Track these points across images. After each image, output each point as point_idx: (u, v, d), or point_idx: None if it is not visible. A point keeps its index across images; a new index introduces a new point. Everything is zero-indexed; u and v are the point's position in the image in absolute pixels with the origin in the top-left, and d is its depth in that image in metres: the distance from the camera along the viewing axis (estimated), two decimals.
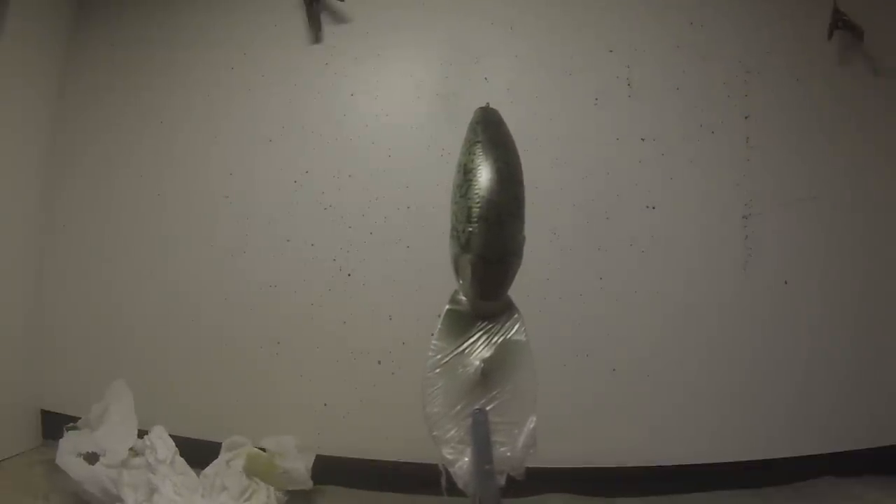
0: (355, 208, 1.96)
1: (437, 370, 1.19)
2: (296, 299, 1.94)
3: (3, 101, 1.89)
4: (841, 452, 1.85)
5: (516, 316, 1.23)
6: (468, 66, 1.99)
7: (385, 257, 1.93)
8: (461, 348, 1.20)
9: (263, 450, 1.74)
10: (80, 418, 1.74)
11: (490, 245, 1.13)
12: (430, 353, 1.20)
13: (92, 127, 2.12)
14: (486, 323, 1.22)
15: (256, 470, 1.68)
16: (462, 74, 1.99)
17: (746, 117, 1.97)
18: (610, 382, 1.86)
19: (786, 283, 1.92)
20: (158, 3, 2.15)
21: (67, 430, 1.68)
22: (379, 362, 1.89)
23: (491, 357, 1.19)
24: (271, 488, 1.66)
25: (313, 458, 1.73)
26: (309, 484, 1.71)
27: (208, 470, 1.67)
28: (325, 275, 1.94)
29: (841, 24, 1.94)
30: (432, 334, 1.25)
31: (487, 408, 1.17)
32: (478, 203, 1.13)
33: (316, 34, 2.04)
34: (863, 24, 1.94)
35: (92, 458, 1.59)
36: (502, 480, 1.13)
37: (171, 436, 1.70)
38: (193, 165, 2.06)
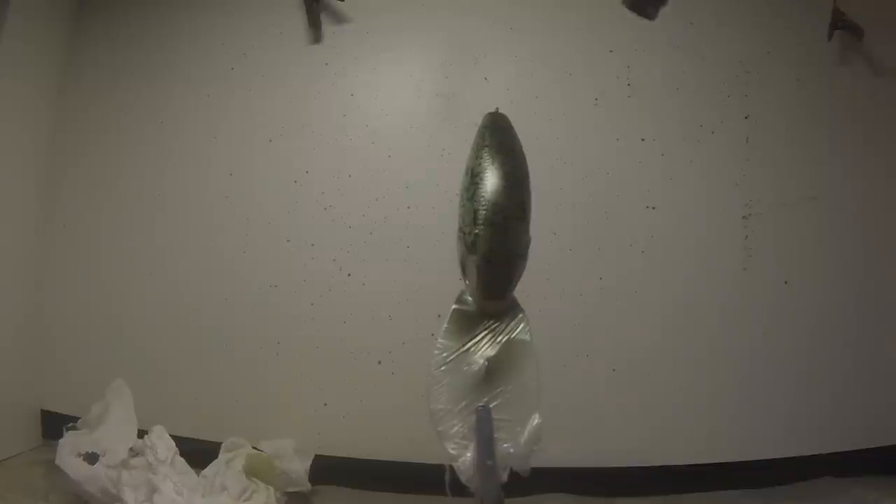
0: (355, 208, 1.96)
1: (443, 368, 1.22)
2: (296, 299, 1.94)
3: (3, 100, 1.88)
4: (841, 452, 1.84)
5: (521, 316, 1.25)
6: (468, 67, 1.99)
7: (385, 257, 1.93)
8: (466, 347, 1.23)
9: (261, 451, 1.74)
10: (80, 418, 1.73)
11: (495, 248, 1.15)
12: (435, 352, 1.23)
13: (92, 127, 2.12)
14: (491, 322, 1.25)
15: (256, 470, 1.68)
16: (462, 74, 1.99)
17: (746, 117, 1.97)
18: (610, 382, 1.86)
19: (786, 283, 1.92)
20: (158, 4, 2.15)
21: (67, 430, 1.68)
22: (379, 362, 1.89)
23: (495, 356, 1.22)
24: (271, 489, 1.66)
25: (311, 460, 1.73)
26: (307, 486, 1.71)
27: (207, 470, 1.67)
28: (325, 275, 1.94)
29: (841, 24, 1.94)
30: (433, 334, 1.26)
31: (491, 405, 1.18)
32: (484, 206, 1.16)
33: (316, 34, 2.04)
34: (863, 24, 1.94)
35: (92, 458, 1.59)
36: (505, 476, 1.14)
37: (171, 436, 1.70)
38: (193, 165, 2.05)
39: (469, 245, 1.16)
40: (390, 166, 1.96)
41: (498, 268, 1.17)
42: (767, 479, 1.83)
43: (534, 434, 1.17)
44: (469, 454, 1.16)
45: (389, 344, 1.89)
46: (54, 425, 1.78)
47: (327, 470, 1.79)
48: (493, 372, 1.21)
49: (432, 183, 1.90)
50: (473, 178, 1.19)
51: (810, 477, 1.84)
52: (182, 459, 1.67)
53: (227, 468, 1.67)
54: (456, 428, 1.18)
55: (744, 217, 1.93)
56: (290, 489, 1.70)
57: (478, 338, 1.24)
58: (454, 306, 1.27)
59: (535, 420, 1.17)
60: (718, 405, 1.87)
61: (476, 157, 1.22)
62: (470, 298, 1.26)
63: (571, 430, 1.74)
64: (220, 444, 1.75)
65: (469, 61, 2.00)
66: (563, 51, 2.00)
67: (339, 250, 1.95)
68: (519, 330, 1.24)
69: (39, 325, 2.03)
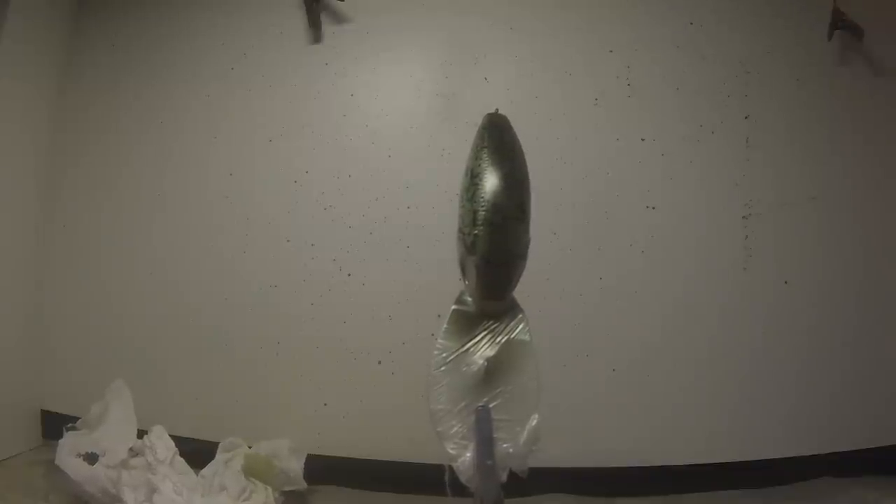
0: (355, 208, 1.96)
1: (443, 368, 1.22)
2: (296, 299, 1.94)
3: (3, 100, 1.88)
4: (840, 452, 1.84)
5: (520, 316, 1.26)
6: (468, 67, 1.99)
7: (385, 257, 1.93)
8: (466, 347, 1.23)
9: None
10: (80, 418, 1.73)
11: (495, 248, 1.15)
12: (435, 352, 1.23)
13: (92, 127, 2.12)
14: (490, 322, 1.25)
15: (255, 470, 1.68)
16: (462, 74, 1.99)
17: (746, 117, 1.97)
18: (610, 382, 1.86)
19: (786, 283, 1.92)
20: (158, 3, 2.15)
21: (67, 430, 1.68)
22: (379, 362, 1.89)
23: (495, 356, 1.22)
24: (269, 488, 1.66)
25: (304, 459, 1.73)
26: (303, 485, 1.71)
27: (206, 470, 1.67)
28: (325, 275, 1.94)
29: (841, 24, 1.94)
30: (433, 334, 1.26)
31: (491, 405, 1.18)
32: (483, 207, 1.15)
33: (316, 34, 2.04)
34: (863, 24, 1.94)
35: (91, 458, 1.59)
36: (504, 476, 1.14)
37: (170, 436, 1.70)
38: (193, 165, 2.05)
39: (469, 245, 1.16)
40: (390, 166, 1.96)
41: (497, 268, 1.17)
42: (767, 479, 1.83)
43: (532, 434, 1.17)
44: (468, 454, 1.16)
45: (389, 344, 1.89)
46: (54, 425, 1.78)
47: (327, 470, 1.79)
48: (493, 372, 1.21)
49: (432, 183, 1.90)
50: (473, 178, 1.19)
51: (810, 477, 1.84)
52: (181, 459, 1.67)
53: (225, 468, 1.67)
54: (455, 428, 1.18)
55: (744, 217, 1.93)
56: (287, 488, 1.70)
57: (477, 338, 1.23)
58: (454, 307, 1.27)
59: (534, 420, 1.17)
60: (718, 405, 1.87)
61: (475, 157, 1.22)
62: (469, 299, 1.26)
63: (571, 430, 1.74)
64: (220, 444, 1.75)
65: (469, 61, 2.00)
66: (563, 51, 2.00)
67: (339, 250, 1.95)
68: (518, 330, 1.24)
69: (39, 325, 2.03)
